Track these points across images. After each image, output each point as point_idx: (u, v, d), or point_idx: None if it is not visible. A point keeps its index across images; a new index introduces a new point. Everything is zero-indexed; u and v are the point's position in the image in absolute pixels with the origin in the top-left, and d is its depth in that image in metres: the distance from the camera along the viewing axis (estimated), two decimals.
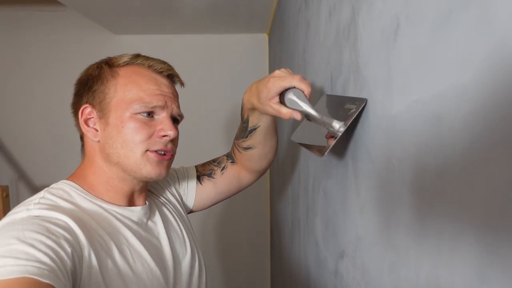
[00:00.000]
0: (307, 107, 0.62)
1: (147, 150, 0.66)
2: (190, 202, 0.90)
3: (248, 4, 1.66)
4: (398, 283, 0.42)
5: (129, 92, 0.66)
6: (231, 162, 0.94)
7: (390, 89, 0.43)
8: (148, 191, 0.79)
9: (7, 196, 1.97)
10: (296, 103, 0.63)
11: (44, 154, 2.19)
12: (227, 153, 0.96)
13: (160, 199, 0.82)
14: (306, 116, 0.64)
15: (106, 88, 0.66)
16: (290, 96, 0.63)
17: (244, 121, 0.83)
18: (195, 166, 0.94)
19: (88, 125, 0.67)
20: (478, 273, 0.28)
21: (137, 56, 0.70)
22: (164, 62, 0.72)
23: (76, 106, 0.70)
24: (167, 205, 0.82)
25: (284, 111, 0.66)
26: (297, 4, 1.11)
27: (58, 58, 2.15)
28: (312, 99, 0.65)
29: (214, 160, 0.95)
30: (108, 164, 0.67)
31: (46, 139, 2.18)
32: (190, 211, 0.92)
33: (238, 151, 0.90)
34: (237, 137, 0.88)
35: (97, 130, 0.67)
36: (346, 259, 0.61)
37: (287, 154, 1.31)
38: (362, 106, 0.50)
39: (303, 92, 0.63)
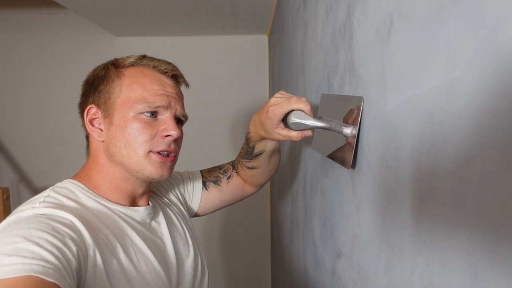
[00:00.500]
0: (313, 123, 0.61)
1: (150, 151, 0.66)
2: (195, 206, 0.91)
3: (248, 6, 1.66)
4: (393, 282, 0.41)
5: (133, 92, 0.66)
6: (236, 172, 0.95)
7: (384, 87, 0.43)
8: (151, 192, 0.80)
9: (8, 198, 1.97)
10: (301, 124, 0.63)
11: (45, 156, 2.19)
12: (232, 163, 0.96)
13: (163, 200, 0.83)
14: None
15: (111, 88, 0.67)
16: (293, 120, 0.63)
17: (250, 147, 0.84)
18: (200, 171, 0.95)
19: (93, 125, 0.68)
20: (471, 270, 0.27)
21: (143, 57, 0.71)
22: (169, 63, 0.72)
23: (82, 107, 0.71)
24: (170, 207, 0.83)
25: (294, 135, 0.67)
26: (295, 5, 1.11)
27: (59, 60, 2.16)
28: (312, 106, 0.65)
29: (220, 168, 0.96)
30: (112, 164, 0.67)
31: (47, 141, 2.19)
32: (195, 215, 0.93)
33: (242, 168, 0.91)
34: (242, 156, 0.89)
35: (101, 130, 0.67)
36: (343, 258, 0.61)
37: (286, 155, 1.31)
38: (362, 105, 0.50)
39: (303, 111, 0.63)
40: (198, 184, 0.92)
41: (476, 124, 0.26)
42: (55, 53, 2.16)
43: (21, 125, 2.18)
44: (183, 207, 0.87)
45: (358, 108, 0.51)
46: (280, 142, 0.86)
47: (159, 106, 0.67)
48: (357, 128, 0.51)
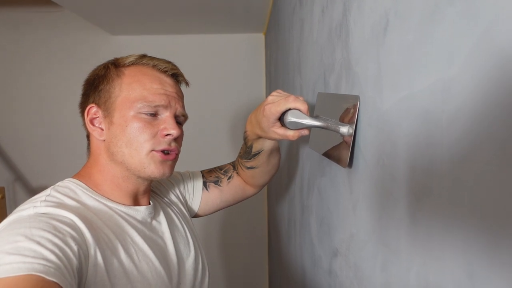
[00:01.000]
0: (310, 122, 0.61)
1: (152, 150, 0.66)
2: (196, 206, 0.91)
3: (245, 4, 1.66)
4: (389, 280, 0.41)
5: (133, 91, 0.66)
6: (237, 172, 0.95)
7: (380, 85, 0.43)
8: (152, 192, 0.80)
9: (3, 197, 1.96)
10: (298, 123, 0.63)
11: (41, 156, 2.18)
12: (232, 163, 0.96)
13: (164, 200, 0.83)
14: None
15: (111, 87, 0.67)
16: (290, 119, 0.63)
17: (248, 147, 0.84)
18: (201, 172, 0.95)
19: (93, 125, 0.68)
20: (467, 269, 0.27)
21: (143, 56, 0.71)
22: (168, 62, 0.72)
23: (83, 106, 0.71)
24: (171, 206, 0.83)
25: (291, 134, 0.67)
26: (291, 3, 1.11)
27: (55, 59, 2.15)
28: (308, 105, 0.65)
29: (220, 168, 0.96)
30: (112, 163, 0.67)
31: (43, 140, 2.18)
32: (195, 215, 0.93)
33: (241, 168, 0.91)
34: (241, 156, 0.89)
35: (102, 129, 0.67)
36: (340, 257, 0.61)
37: (283, 154, 1.31)
38: (358, 103, 0.50)
39: (300, 110, 0.63)
40: (199, 184, 0.92)
41: (472, 123, 0.26)
42: (51, 51, 2.15)
43: (17, 124, 2.17)
44: (184, 207, 0.87)
45: (355, 107, 0.51)
46: (279, 142, 0.85)
47: (158, 105, 0.67)
48: (354, 127, 0.51)
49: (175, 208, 0.83)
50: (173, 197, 0.86)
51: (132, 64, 0.70)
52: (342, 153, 0.55)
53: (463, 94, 0.27)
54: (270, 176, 0.93)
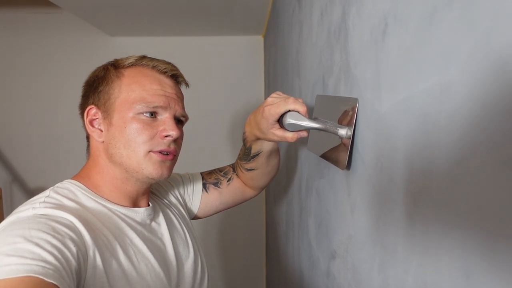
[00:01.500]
0: (309, 124, 0.61)
1: (150, 151, 0.66)
2: (195, 208, 0.91)
3: (244, 6, 1.67)
4: (387, 282, 0.42)
5: (132, 92, 0.66)
6: (237, 174, 0.94)
7: (379, 88, 0.43)
8: (151, 193, 0.80)
9: (1, 198, 1.95)
10: (297, 124, 0.63)
11: (38, 156, 2.18)
12: (232, 165, 0.96)
13: (163, 201, 0.83)
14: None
15: (111, 88, 0.67)
16: (289, 121, 0.63)
17: (247, 148, 0.84)
18: (201, 173, 0.95)
19: (93, 126, 0.68)
20: (464, 270, 0.28)
21: (143, 57, 0.71)
22: (168, 63, 0.72)
23: (82, 108, 0.71)
24: (170, 208, 0.82)
25: (290, 135, 0.67)
26: (290, 6, 1.11)
27: (53, 60, 2.15)
28: (307, 107, 0.65)
29: (220, 170, 0.96)
30: (112, 164, 0.67)
31: (40, 141, 2.17)
32: (195, 217, 0.93)
33: (241, 170, 0.91)
34: (240, 158, 0.89)
35: (101, 131, 0.67)
36: (338, 259, 0.61)
37: (282, 156, 1.31)
38: (357, 106, 0.51)
39: (299, 112, 0.63)
40: (198, 186, 0.91)
41: (469, 125, 0.26)
42: (49, 53, 2.15)
43: (14, 125, 2.16)
44: (183, 208, 0.87)
45: (353, 109, 0.51)
46: (278, 144, 0.85)
47: (157, 106, 0.66)
48: (352, 129, 0.52)
49: (175, 209, 0.83)
50: (172, 199, 0.86)
51: (132, 65, 0.69)
52: (340, 155, 0.56)
53: (460, 97, 0.27)
54: (269, 178, 0.93)
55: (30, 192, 2.18)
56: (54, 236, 0.51)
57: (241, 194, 0.95)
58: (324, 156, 0.65)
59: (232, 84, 2.22)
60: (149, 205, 0.74)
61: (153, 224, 0.73)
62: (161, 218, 0.75)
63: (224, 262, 2.30)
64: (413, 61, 0.35)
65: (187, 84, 0.77)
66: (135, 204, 0.71)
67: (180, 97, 0.73)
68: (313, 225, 0.80)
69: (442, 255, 0.31)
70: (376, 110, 0.44)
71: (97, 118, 0.68)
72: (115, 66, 0.70)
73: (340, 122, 0.56)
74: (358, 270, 0.51)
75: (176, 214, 0.82)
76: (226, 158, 2.04)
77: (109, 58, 0.73)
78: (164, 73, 0.71)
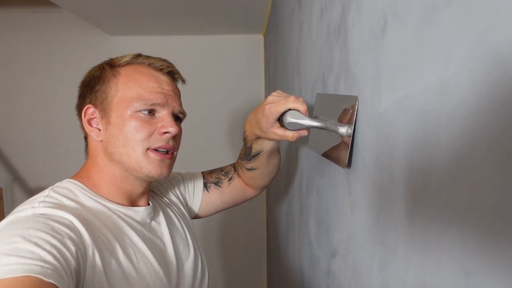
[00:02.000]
0: (309, 122, 0.61)
1: (148, 149, 0.66)
2: (196, 207, 0.91)
3: (244, 5, 1.66)
4: (387, 280, 0.42)
5: (129, 90, 0.66)
6: (238, 174, 0.94)
7: (378, 86, 0.43)
8: (151, 192, 0.80)
9: (1, 198, 1.96)
10: (297, 123, 0.63)
11: (39, 156, 2.18)
12: (233, 165, 0.96)
13: (163, 200, 0.83)
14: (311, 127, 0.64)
15: (107, 87, 0.67)
16: (289, 119, 0.63)
17: (248, 147, 0.84)
18: (202, 173, 0.95)
19: (91, 125, 0.68)
20: (464, 269, 0.28)
21: (138, 55, 0.71)
22: (164, 60, 0.72)
23: (79, 108, 0.71)
24: (170, 207, 0.82)
25: (290, 134, 0.67)
26: (290, 5, 1.11)
27: (53, 60, 2.15)
28: (307, 105, 0.65)
29: (221, 169, 0.96)
30: (111, 163, 0.67)
31: (41, 140, 2.17)
32: (196, 216, 0.93)
33: (242, 170, 0.91)
34: (241, 158, 0.89)
35: (100, 130, 0.67)
36: (338, 258, 0.61)
37: (283, 155, 1.31)
38: (357, 104, 0.50)
39: (299, 111, 0.63)
40: (199, 185, 0.91)
41: (469, 123, 0.26)
42: (49, 52, 2.14)
43: (15, 124, 2.17)
44: (184, 207, 0.87)
45: (353, 107, 0.51)
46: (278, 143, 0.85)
47: (155, 104, 0.66)
48: (352, 128, 0.52)
49: (175, 208, 0.83)
50: (173, 198, 0.86)
51: (128, 63, 0.70)
52: (340, 153, 0.56)
53: (460, 95, 0.27)
54: (270, 178, 0.93)
55: (31, 192, 2.18)
56: (53, 236, 0.51)
57: (242, 194, 0.95)
58: (325, 155, 0.65)
59: (232, 83, 2.22)
60: (149, 204, 0.74)
61: (153, 223, 0.73)
62: (161, 217, 0.75)
63: (225, 261, 2.30)
64: (412, 59, 0.35)
65: (183, 81, 0.77)
66: (135, 203, 0.71)
67: (177, 94, 0.73)
68: (314, 223, 0.80)
69: (442, 253, 0.31)
70: (376, 108, 0.44)
71: (95, 117, 0.68)
72: (111, 65, 0.70)
73: (340, 121, 0.56)
74: (359, 268, 0.51)
75: (176, 213, 0.82)
76: (226, 157, 2.04)
77: (109, 57, 0.73)
78: (161, 70, 0.71)
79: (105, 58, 0.73)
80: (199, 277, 0.78)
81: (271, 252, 1.94)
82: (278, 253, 1.52)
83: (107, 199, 0.67)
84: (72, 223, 0.56)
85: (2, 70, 2.15)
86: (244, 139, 0.83)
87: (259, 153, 0.83)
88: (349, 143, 0.52)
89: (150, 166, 0.66)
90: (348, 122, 0.53)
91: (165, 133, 0.67)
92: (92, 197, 0.65)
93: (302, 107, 0.63)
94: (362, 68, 0.49)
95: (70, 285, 0.48)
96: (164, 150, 0.67)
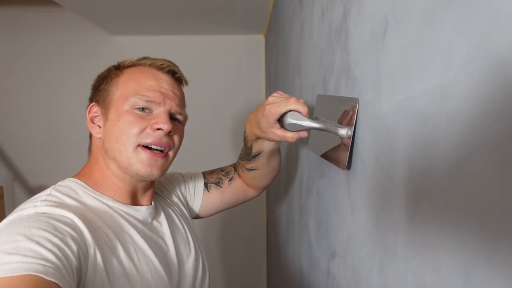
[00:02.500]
0: (309, 123, 0.61)
1: (138, 145, 0.65)
2: (197, 207, 0.91)
3: (245, 6, 1.66)
4: (386, 282, 0.42)
5: (128, 87, 0.68)
6: (238, 174, 0.95)
7: (379, 89, 0.43)
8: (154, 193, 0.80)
9: (2, 196, 1.96)
10: (297, 124, 0.63)
11: (40, 155, 2.18)
12: (234, 165, 0.96)
13: (165, 200, 0.83)
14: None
15: (109, 86, 0.69)
16: (289, 120, 0.63)
17: (248, 148, 0.84)
18: (202, 173, 0.95)
19: (93, 123, 0.69)
20: (463, 271, 0.28)
21: (144, 58, 0.73)
22: (166, 60, 0.73)
23: (87, 107, 0.73)
24: (172, 207, 0.83)
25: (290, 135, 0.67)
26: (291, 5, 1.11)
27: (55, 59, 2.15)
28: (308, 107, 0.65)
29: (222, 170, 0.96)
30: (107, 160, 0.67)
31: (42, 139, 2.18)
32: (196, 216, 0.93)
33: (242, 170, 0.91)
34: (241, 158, 0.89)
35: (100, 127, 0.68)
36: (338, 259, 0.61)
37: (283, 156, 1.32)
38: (357, 106, 0.51)
39: (300, 112, 0.63)
40: (200, 185, 0.92)
41: (469, 126, 0.26)
42: (50, 51, 2.15)
43: (15, 123, 2.17)
44: (185, 207, 0.87)
45: (354, 109, 0.51)
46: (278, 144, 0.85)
47: (151, 101, 0.66)
48: (353, 129, 0.52)
49: (176, 208, 0.83)
50: (174, 198, 0.86)
51: (133, 65, 0.71)
52: (340, 155, 0.56)
53: (460, 97, 0.27)
54: (270, 179, 0.93)
55: (32, 191, 2.18)
56: (55, 235, 0.51)
57: (243, 194, 0.95)
58: (325, 156, 0.65)
59: (233, 83, 2.22)
60: (151, 203, 0.74)
61: (155, 222, 0.73)
62: (162, 217, 0.75)
63: (225, 261, 2.30)
64: (413, 61, 0.35)
65: (185, 81, 0.77)
66: (136, 202, 0.71)
67: (178, 95, 0.72)
68: (313, 224, 0.80)
69: (441, 255, 0.31)
70: (376, 110, 0.44)
71: (98, 115, 0.69)
72: (117, 67, 0.72)
73: (341, 122, 0.56)
74: (358, 269, 0.51)
75: (177, 213, 0.82)
76: (227, 157, 2.04)
77: (110, 56, 0.74)
78: (161, 69, 0.71)
79: (107, 57, 0.75)
80: (200, 277, 0.78)
81: (271, 252, 1.94)
82: (278, 253, 1.52)
83: (109, 198, 0.67)
84: (74, 222, 0.56)
85: (3, 69, 2.15)
86: (245, 139, 0.84)
87: (259, 154, 0.83)
88: (349, 145, 0.52)
89: (139, 164, 0.65)
90: (348, 124, 0.53)
91: (158, 129, 0.66)
92: (94, 195, 0.65)
93: (303, 109, 0.63)
94: (362, 70, 0.49)
95: (71, 284, 0.48)
96: (157, 147, 0.66)
